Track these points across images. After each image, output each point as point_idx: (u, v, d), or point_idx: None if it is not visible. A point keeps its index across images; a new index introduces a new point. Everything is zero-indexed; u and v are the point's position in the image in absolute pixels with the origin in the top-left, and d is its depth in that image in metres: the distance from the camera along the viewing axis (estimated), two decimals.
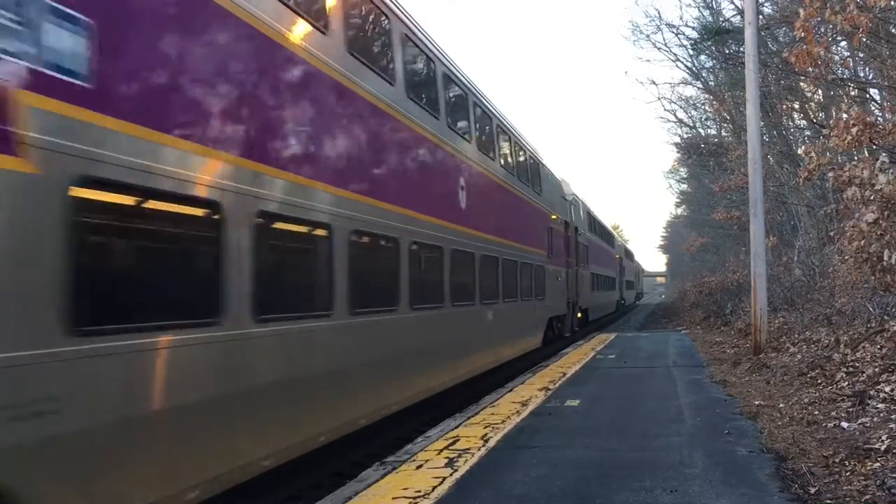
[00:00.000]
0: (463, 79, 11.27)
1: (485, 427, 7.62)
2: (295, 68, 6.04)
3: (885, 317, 10.68)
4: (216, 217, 4.83)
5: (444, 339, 9.96)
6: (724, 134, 32.04)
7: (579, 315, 22.86)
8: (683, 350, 16.60)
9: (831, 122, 10.92)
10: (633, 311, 51.81)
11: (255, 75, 5.46)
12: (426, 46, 9.48)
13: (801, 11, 9.89)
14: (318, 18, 6.46)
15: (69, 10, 3.70)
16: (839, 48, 16.81)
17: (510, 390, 10.47)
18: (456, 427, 7.71)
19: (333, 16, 6.76)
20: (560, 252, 19.17)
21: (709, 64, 27.27)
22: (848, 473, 5.33)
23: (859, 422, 6.81)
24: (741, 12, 17.18)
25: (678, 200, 56.35)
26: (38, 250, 3.49)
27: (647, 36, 31.26)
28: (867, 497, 4.76)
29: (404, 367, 8.37)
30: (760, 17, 16.40)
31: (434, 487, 5.31)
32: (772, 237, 19.01)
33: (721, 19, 23.54)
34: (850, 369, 8.92)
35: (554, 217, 18.36)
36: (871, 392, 7.68)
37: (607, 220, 46.71)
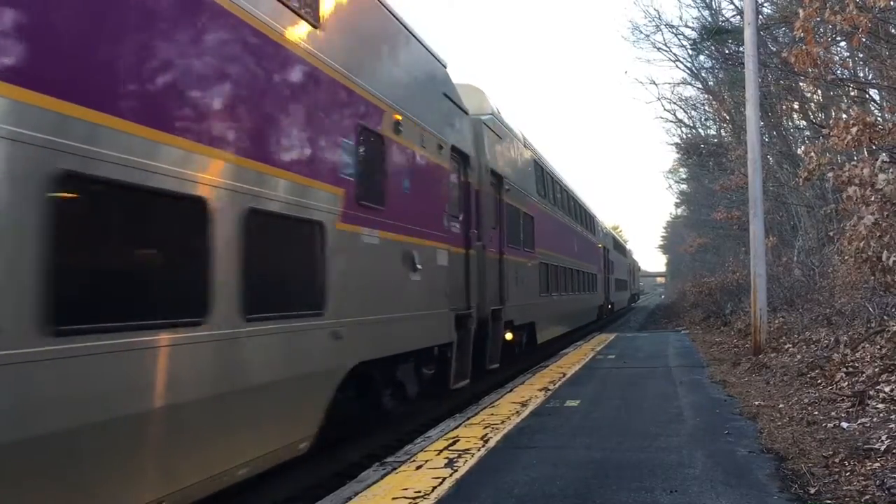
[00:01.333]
0: None
1: (485, 427, 7.61)
2: None
3: (885, 317, 10.68)
4: None
5: None
6: (723, 134, 32.06)
7: (509, 336, 12.44)
8: (683, 350, 16.60)
9: (831, 122, 10.94)
10: (632, 312, 51.43)
11: None
12: None
13: (801, 11, 9.89)
14: None
15: None
16: (839, 48, 16.82)
17: (510, 390, 10.47)
18: (456, 427, 7.71)
19: None
20: (435, 209, 9.19)
21: (708, 64, 27.31)
22: (848, 473, 5.33)
23: (859, 422, 6.81)
24: (741, 12, 17.20)
25: (678, 201, 56.34)
26: None
27: (647, 36, 31.10)
28: (867, 497, 4.76)
29: None
30: (760, 17, 16.41)
31: (434, 488, 5.31)
32: (772, 237, 19.03)
33: (721, 19, 23.56)
34: (850, 369, 8.92)
35: (396, 118, 8.03)
36: (871, 392, 7.69)
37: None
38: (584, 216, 26.05)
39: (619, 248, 44.71)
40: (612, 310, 35.72)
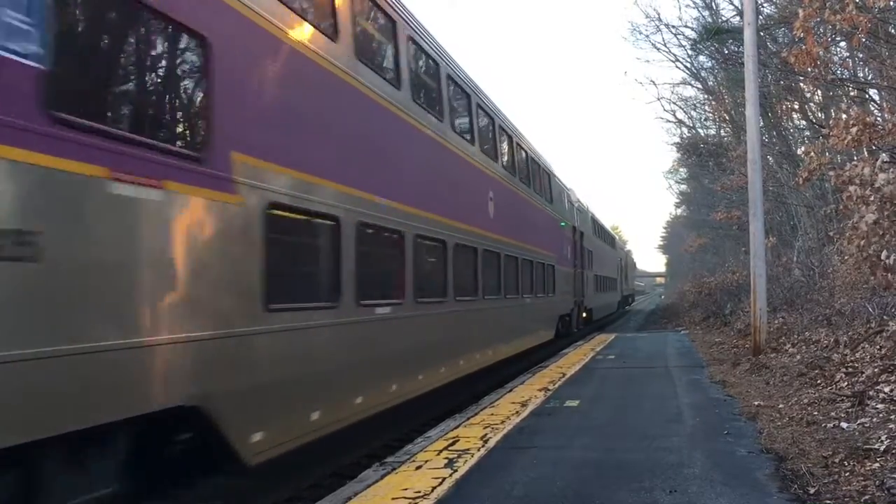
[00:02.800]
0: None
1: (484, 427, 7.61)
2: None
3: (885, 317, 10.68)
4: None
5: None
6: (723, 134, 32.07)
7: None
8: (683, 350, 16.59)
9: (831, 122, 10.94)
10: (631, 314, 51.06)
11: None
12: None
13: (801, 11, 9.89)
14: None
15: None
16: (838, 48, 16.83)
17: (510, 390, 10.47)
18: (455, 427, 7.71)
19: None
20: None
21: (708, 64, 27.33)
22: (847, 474, 5.33)
23: (859, 422, 6.80)
24: (740, 13, 17.19)
25: (678, 201, 56.31)
26: None
27: (647, 36, 31.28)
28: (866, 497, 4.75)
29: None
30: (760, 17, 16.41)
31: (434, 488, 5.31)
32: (771, 237, 19.01)
33: (720, 19, 23.55)
34: (850, 370, 8.92)
35: None
36: (871, 392, 7.68)
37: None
38: (525, 164, 15.75)
39: (604, 234, 34.11)
40: (589, 318, 25.42)
